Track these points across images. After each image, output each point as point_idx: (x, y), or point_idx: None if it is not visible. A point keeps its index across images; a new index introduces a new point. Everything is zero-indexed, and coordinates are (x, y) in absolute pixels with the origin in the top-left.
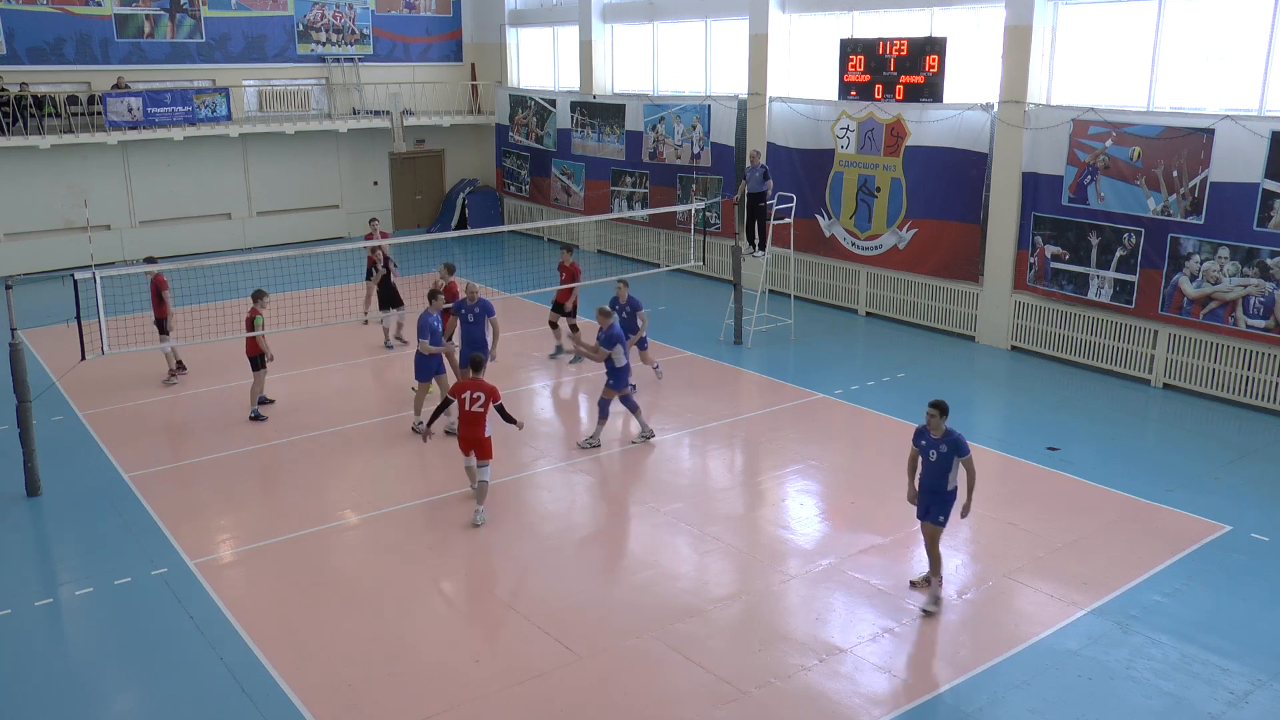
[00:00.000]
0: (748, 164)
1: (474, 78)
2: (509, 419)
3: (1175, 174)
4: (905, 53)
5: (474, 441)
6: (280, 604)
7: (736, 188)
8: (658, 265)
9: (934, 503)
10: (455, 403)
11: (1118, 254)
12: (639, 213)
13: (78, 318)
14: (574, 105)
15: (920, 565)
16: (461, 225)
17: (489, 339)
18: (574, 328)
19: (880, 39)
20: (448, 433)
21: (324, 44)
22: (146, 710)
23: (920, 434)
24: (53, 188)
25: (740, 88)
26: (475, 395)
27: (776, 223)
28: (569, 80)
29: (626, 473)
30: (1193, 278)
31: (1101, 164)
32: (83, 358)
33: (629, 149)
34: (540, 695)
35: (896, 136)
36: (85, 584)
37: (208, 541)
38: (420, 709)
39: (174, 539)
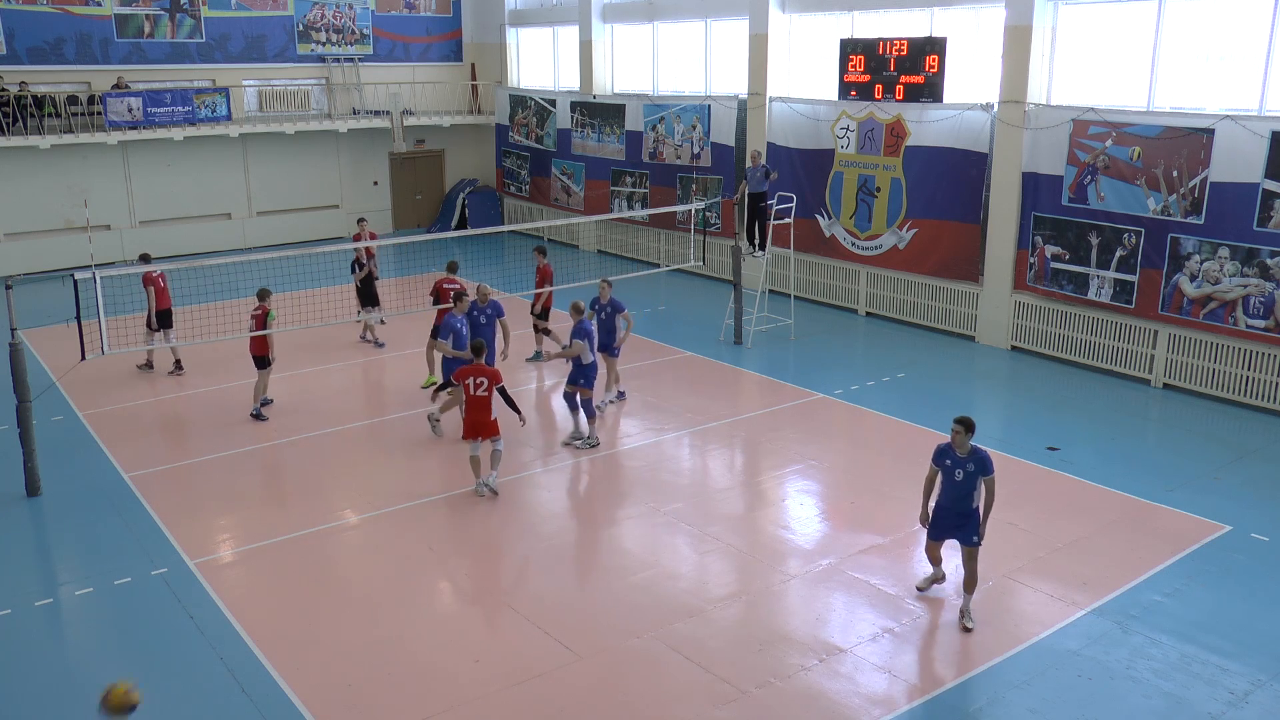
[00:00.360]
0: (748, 164)
1: (474, 78)
2: (512, 405)
3: (1175, 174)
4: (905, 53)
5: (481, 425)
6: (280, 604)
7: (737, 188)
8: (658, 265)
9: (963, 524)
10: (460, 388)
11: (1118, 254)
12: (639, 213)
13: (78, 318)
14: (574, 105)
15: (924, 568)
16: (461, 225)
17: (501, 340)
18: (546, 330)
19: (880, 39)
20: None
21: (324, 44)
22: (146, 710)
23: (943, 452)
24: (53, 188)
25: (740, 88)
26: (479, 381)
27: (776, 223)
28: (569, 80)
29: (627, 473)
30: (1193, 278)
31: (1101, 164)
32: (83, 358)
33: (629, 149)
34: (540, 695)
35: (896, 136)
36: (85, 584)
37: (208, 541)
38: (420, 709)
39: (174, 539)
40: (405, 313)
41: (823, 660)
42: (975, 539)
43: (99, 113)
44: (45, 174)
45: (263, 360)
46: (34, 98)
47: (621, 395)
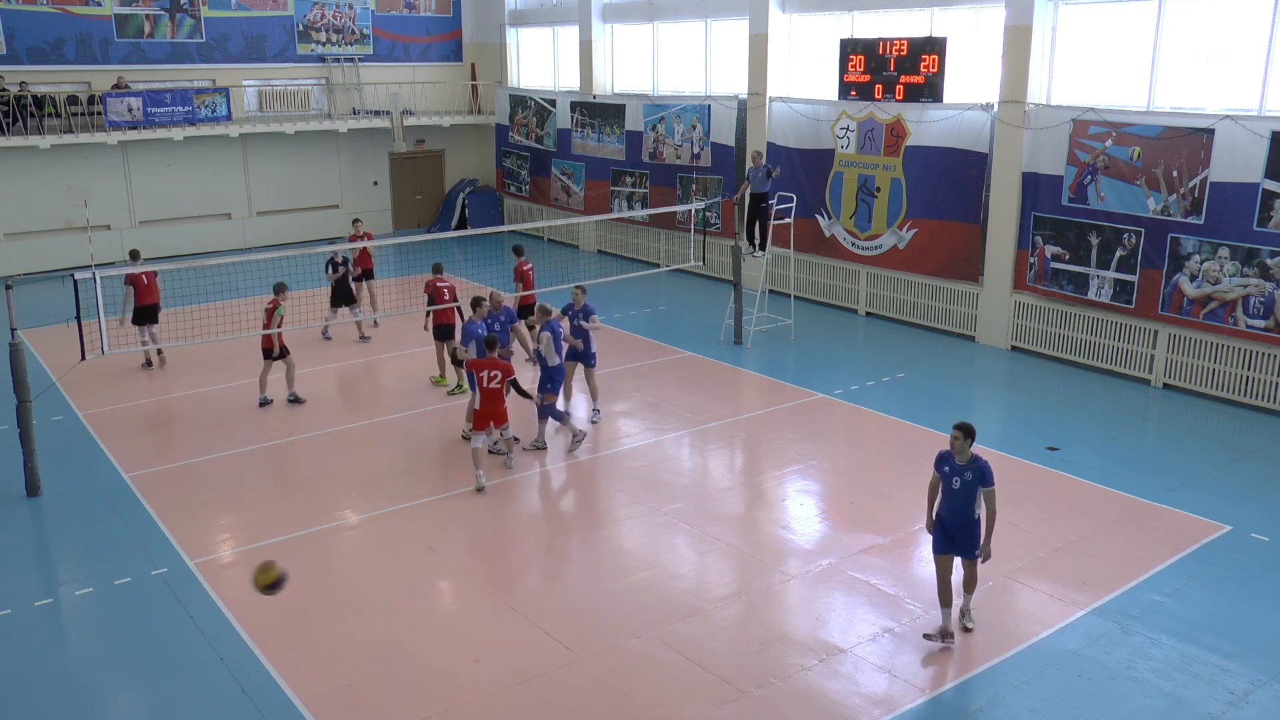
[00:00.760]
0: (749, 164)
1: (474, 78)
2: (523, 393)
3: (1175, 174)
4: (905, 53)
5: (493, 414)
6: (280, 604)
7: (738, 188)
8: (658, 265)
9: (963, 536)
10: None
11: (1118, 254)
12: (639, 213)
13: (78, 318)
14: (574, 105)
15: (924, 569)
16: (461, 225)
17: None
18: (531, 327)
19: (880, 39)
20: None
21: (324, 44)
22: (146, 710)
23: (943, 459)
24: (53, 188)
25: (740, 88)
26: (492, 374)
27: (776, 223)
28: (569, 80)
29: (627, 473)
30: (1193, 278)
31: (1101, 164)
32: (83, 358)
33: (629, 149)
34: (540, 695)
35: (896, 136)
36: (85, 584)
37: (208, 541)
38: (420, 709)
39: (174, 539)
40: (405, 312)
41: (823, 660)
42: (976, 553)
43: (99, 113)
44: (45, 174)
45: (268, 351)
46: (34, 98)
47: (597, 413)
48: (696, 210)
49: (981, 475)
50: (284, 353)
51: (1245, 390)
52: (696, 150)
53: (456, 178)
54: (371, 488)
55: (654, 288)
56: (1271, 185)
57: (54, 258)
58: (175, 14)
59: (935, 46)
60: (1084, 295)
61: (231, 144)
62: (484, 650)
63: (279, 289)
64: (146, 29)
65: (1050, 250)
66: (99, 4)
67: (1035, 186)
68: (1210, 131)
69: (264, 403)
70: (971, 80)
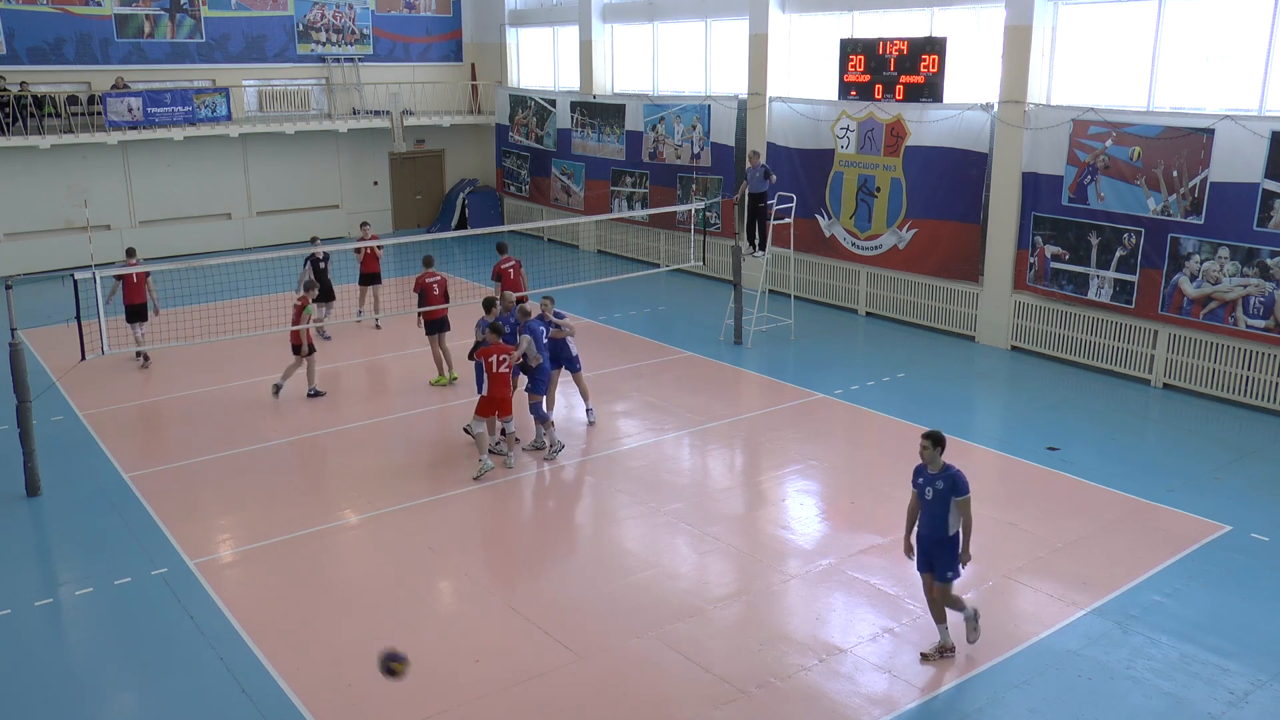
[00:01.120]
0: (748, 164)
1: (474, 78)
2: (527, 364)
3: (1175, 174)
4: (905, 53)
5: (503, 401)
6: (280, 604)
7: (737, 188)
8: (658, 265)
9: (937, 555)
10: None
11: (1118, 254)
12: (639, 213)
13: (78, 318)
14: (574, 105)
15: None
16: (461, 225)
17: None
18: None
19: (880, 39)
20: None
21: (324, 44)
22: (146, 710)
23: (918, 471)
24: (53, 188)
25: (740, 88)
26: (501, 358)
27: (776, 223)
28: (569, 80)
29: (627, 473)
30: (1193, 278)
31: (1101, 164)
32: (83, 358)
33: (629, 149)
34: (540, 695)
35: (896, 136)
36: (85, 584)
37: (208, 541)
38: (420, 709)
39: (174, 539)
40: (403, 312)
41: (823, 660)
42: (948, 574)
43: (99, 113)
44: (45, 174)
45: (297, 348)
46: (34, 98)
47: (590, 412)
48: (696, 210)
49: (953, 484)
50: (310, 349)
51: (1245, 390)
52: (696, 150)
53: (456, 178)
54: (371, 488)
55: (654, 288)
56: (1271, 185)
57: (54, 258)
58: (175, 14)
59: (935, 46)
60: (1084, 295)
61: (231, 144)
62: (484, 650)
63: (309, 286)
64: (146, 29)
65: (1050, 250)
66: (99, 4)
67: (1035, 186)
68: (1210, 131)
69: (277, 388)
70: (971, 80)
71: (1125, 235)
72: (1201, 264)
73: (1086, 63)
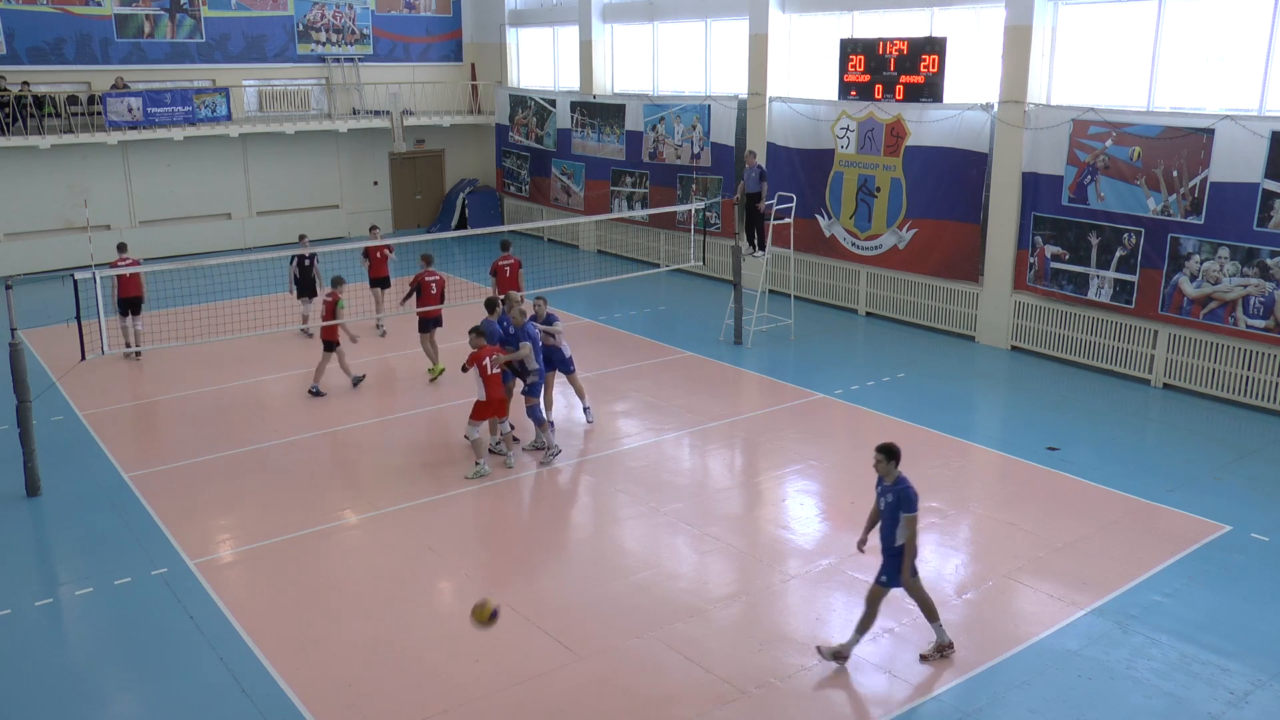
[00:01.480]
0: (745, 165)
1: (474, 78)
2: (512, 360)
3: (1175, 174)
4: (905, 53)
5: (499, 403)
6: (280, 604)
7: (736, 188)
8: (658, 265)
9: (886, 560)
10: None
11: (1118, 254)
12: (639, 213)
13: (78, 318)
14: (574, 105)
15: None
16: (461, 225)
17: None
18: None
19: (880, 39)
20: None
21: (324, 44)
22: (146, 710)
23: (878, 479)
24: (53, 188)
25: (740, 88)
26: (495, 359)
27: (776, 223)
28: (569, 80)
29: (627, 473)
30: (1193, 278)
31: (1101, 164)
32: (83, 358)
33: (629, 149)
34: (540, 695)
35: (896, 136)
36: (85, 584)
37: (208, 541)
38: (420, 709)
39: (174, 539)
40: (401, 312)
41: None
42: (884, 578)
43: (99, 113)
44: (45, 174)
45: (330, 344)
46: (34, 98)
47: (588, 411)
48: (696, 210)
49: (899, 499)
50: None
51: (1245, 390)
52: (696, 150)
53: (456, 178)
54: (371, 488)
55: (654, 288)
56: (1271, 185)
57: (54, 258)
58: (175, 14)
59: (935, 46)
60: (1084, 295)
61: (231, 144)
62: (484, 650)
63: (337, 282)
64: (146, 29)
65: (1050, 250)
66: (99, 4)
67: (1035, 186)
68: (1210, 131)
69: (315, 392)
70: (971, 80)
71: (1125, 235)
72: (1201, 264)
73: (1086, 63)
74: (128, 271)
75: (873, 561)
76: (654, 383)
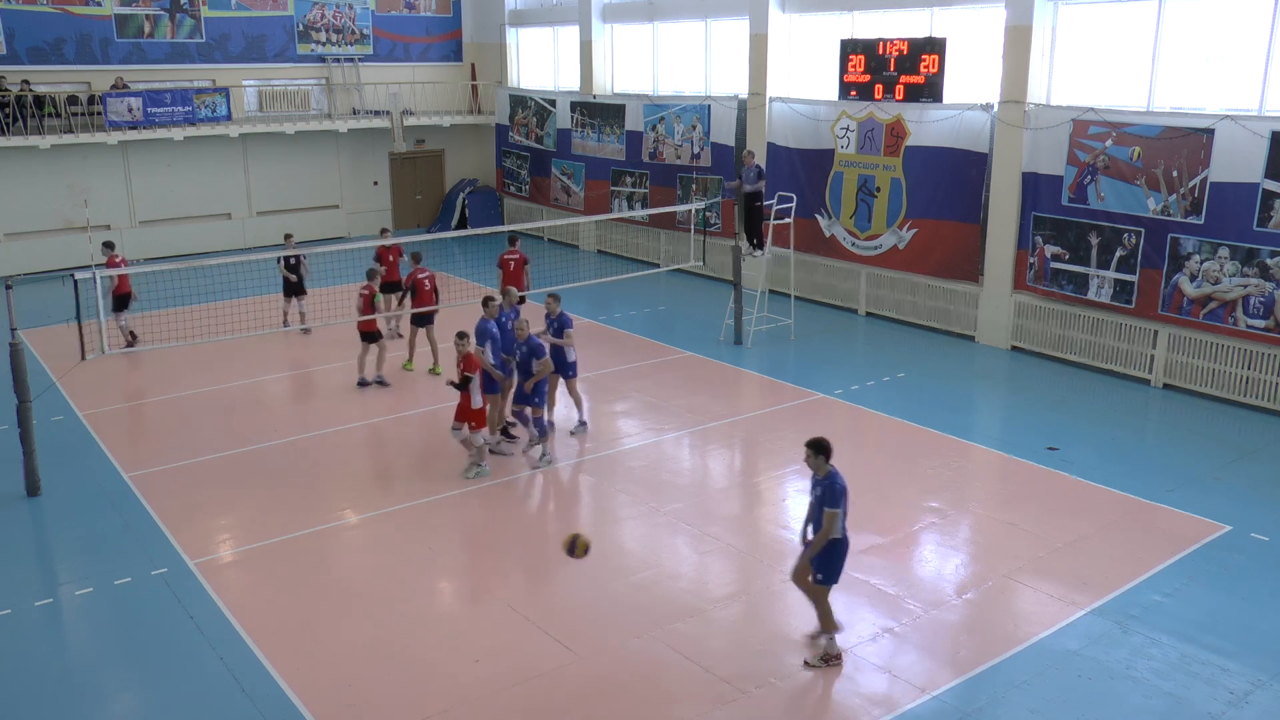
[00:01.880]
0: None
1: (474, 78)
2: (459, 386)
3: (1175, 174)
4: (905, 53)
5: (476, 412)
6: (280, 604)
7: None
8: (658, 265)
9: (816, 555)
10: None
11: (1118, 254)
12: (639, 213)
13: (78, 318)
14: (574, 105)
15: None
16: (461, 225)
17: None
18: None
19: (880, 39)
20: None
21: (324, 44)
22: (146, 710)
23: (812, 474)
24: (53, 188)
25: (740, 88)
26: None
27: (777, 223)
28: (569, 80)
29: (627, 473)
30: (1193, 278)
31: (1101, 164)
32: (83, 358)
33: (629, 149)
34: (540, 695)
35: (896, 136)
36: (85, 584)
37: (208, 541)
38: (420, 709)
39: (174, 539)
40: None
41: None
42: (820, 575)
43: (99, 113)
44: (45, 174)
45: (371, 335)
46: (34, 97)
47: (583, 425)
48: (696, 210)
49: (823, 494)
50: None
51: (1245, 390)
52: (696, 150)
53: (456, 178)
54: (372, 488)
55: (654, 288)
56: (1271, 185)
57: (54, 258)
58: (175, 14)
59: (935, 46)
60: (1084, 295)
61: (231, 144)
62: (484, 650)
63: (371, 275)
64: (146, 29)
65: (1050, 250)
66: (99, 4)
67: (1035, 186)
68: (1210, 131)
69: (367, 383)
70: (971, 80)
71: (1125, 235)
72: (1201, 264)
73: (1086, 63)
74: (130, 271)
75: (871, 562)
76: (654, 383)
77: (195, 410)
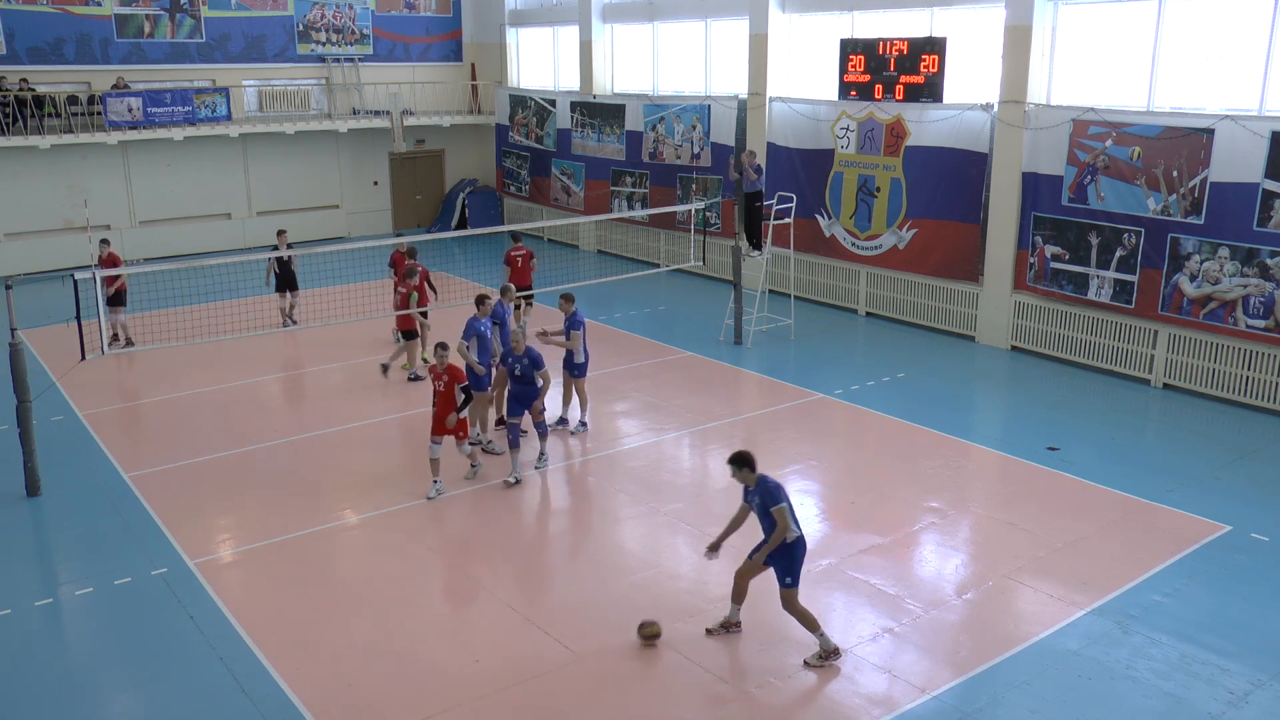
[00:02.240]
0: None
1: (474, 78)
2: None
3: (1175, 174)
4: (905, 53)
5: (436, 420)
6: (280, 604)
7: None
8: (658, 265)
9: (776, 561)
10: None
11: (1118, 254)
12: (639, 213)
13: (78, 318)
14: (574, 105)
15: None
16: (461, 225)
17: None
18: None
19: (880, 39)
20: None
21: (324, 44)
22: (146, 710)
23: (745, 489)
24: (53, 188)
25: (740, 88)
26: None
27: (776, 223)
28: (569, 80)
29: (627, 473)
30: (1193, 278)
31: (1101, 164)
32: (83, 358)
33: (629, 149)
34: (540, 695)
35: (896, 136)
36: (85, 584)
37: (208, 541)
38: (420, 709)
39: (174, 539)
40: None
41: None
42: (789, 580)
43: (99, 113)
44: (45, 174)
45: (410, 333)
46: (34, 97)
47: (583, 425)
48: (696, 210)
49: (765, 495)
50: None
51: (1245, 390)
52: (696, 150)
53: (456, 178)
54: (372, 488)
55: (654, 288)
56: (1271, 185)
57: (54, 258)
58: (175, 14)
59: (935, 46)
60: (1084, 295)
61: (231, 144)
62: (484, 650)
63: (411, 273)
64: (146, 29)
65: (1050, 250)
66: (99, 4)
67: (1035, 186)
68: (1210, 131)
69: (414, 378)
70: (971, 80)
71: (1125, 235)
72: (1201, 264)
73: (1086, 63)
74: (129, 272)
75: (871, 562)
76: (654, 383)
77: (195, 410)
